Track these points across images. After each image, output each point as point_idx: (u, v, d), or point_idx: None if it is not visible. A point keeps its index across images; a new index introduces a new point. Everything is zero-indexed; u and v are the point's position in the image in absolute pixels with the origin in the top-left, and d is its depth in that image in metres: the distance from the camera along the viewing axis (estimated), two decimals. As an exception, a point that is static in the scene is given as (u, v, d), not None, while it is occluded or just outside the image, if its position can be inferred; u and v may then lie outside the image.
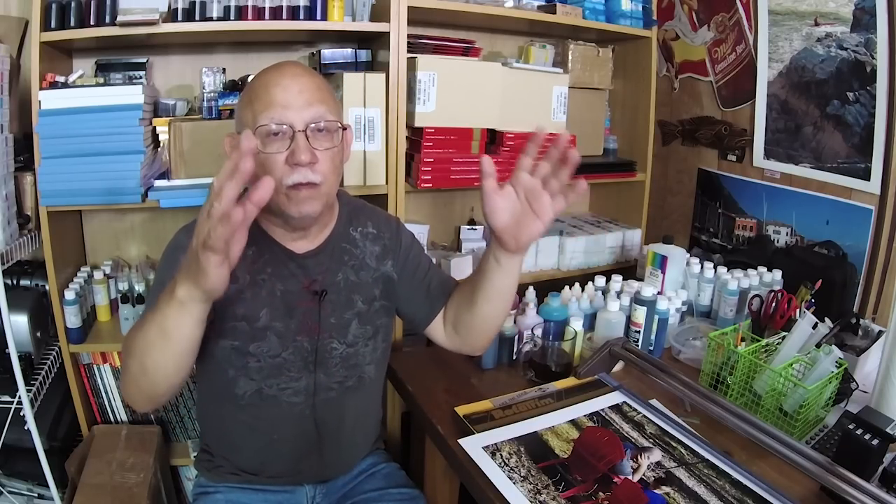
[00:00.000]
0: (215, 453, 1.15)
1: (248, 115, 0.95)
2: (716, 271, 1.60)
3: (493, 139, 1.71)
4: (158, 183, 1.41)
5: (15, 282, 1.46)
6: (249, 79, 1.50)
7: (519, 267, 1.01)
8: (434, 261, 1.71)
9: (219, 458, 1.14)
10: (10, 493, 1.47)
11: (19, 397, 1.29)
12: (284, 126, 0.92)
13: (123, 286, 1.49)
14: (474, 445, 1.02)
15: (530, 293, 1.52)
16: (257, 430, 1.08)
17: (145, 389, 0.89)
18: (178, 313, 0.79)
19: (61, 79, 1.35)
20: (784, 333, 1.25)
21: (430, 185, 1.60)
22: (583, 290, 1.54)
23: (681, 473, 0.97)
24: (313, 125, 0.94)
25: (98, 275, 1.53)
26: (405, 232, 1.20)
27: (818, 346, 1.19)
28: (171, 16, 1.36)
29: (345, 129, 1.01)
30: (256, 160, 0.93)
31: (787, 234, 1.79)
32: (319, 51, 1.61)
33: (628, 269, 1.91)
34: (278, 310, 1.03)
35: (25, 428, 1.31)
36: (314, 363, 1.06)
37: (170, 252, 1.03)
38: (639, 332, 1.36)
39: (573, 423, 1.10)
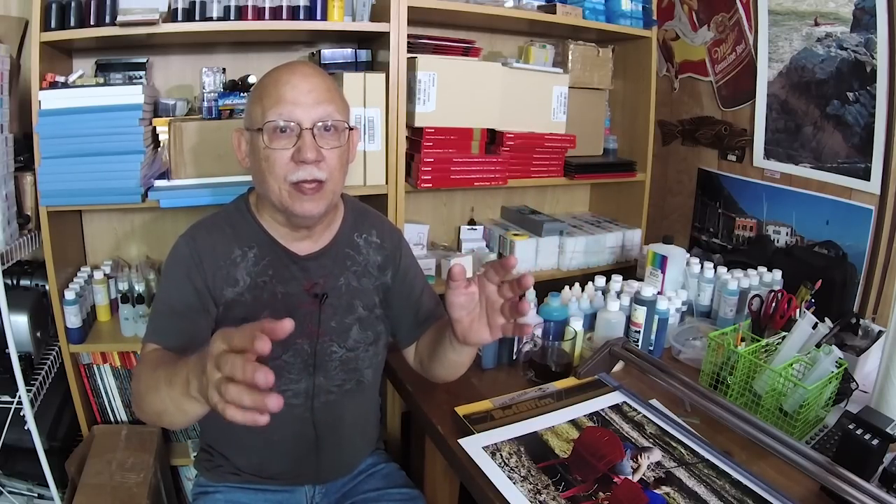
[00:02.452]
0: (215, 453, 1.15)
1: (258, 111, 0.96)
2: (716, 271, 1.60)
3: (493, 139, 1.72)
4: (158, 183, 1.41)
5: (15, 282, 1.46)
6: (250, 79, 1.52)
7: (471, 353, 1.05)
8: (434, 261, 1.73)
9: (218, 457, 1.14)
10: (10, 493, 1.47)
11: (19, 397, 1.29)
12: (292, 123, 0.94)
13: (123, 286, 1.49)
14: (474, 445, 1.02)
15: (530, 293, 1.52)
16: (256, 430, 1.07)
17: (159, 425, 1.06)
18: (193, 402, 0.77)
19: (61, 79, 1.35)
20: (784, 333, 1.24)
21: (430, 185, 1.60)
22: (583, 290, 1.54)
23: (681, 473, 0.97)
24: (320, 124, 0.95)
25: (98, 275, 1.53)
26: (406, 248, 1.21)
27: (818, 346, 1.19)
28: (171, 16, 1.36)
29: (351, 129, 1.01)
30: (262, 155, 0.94)
31: (787, 234, 1.79)
32: (319, 51, 1.61)
33: (628, 269, 1.91)
34: (279, 312, 1.02)
35: (25, 428, 1.31)
36: (313, 366, 1.07)
37: (171, 266, 1.04)
38: (639, 332, 1.36)
39: (573, 423, 1.10)
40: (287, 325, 0.65)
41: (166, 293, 1.03)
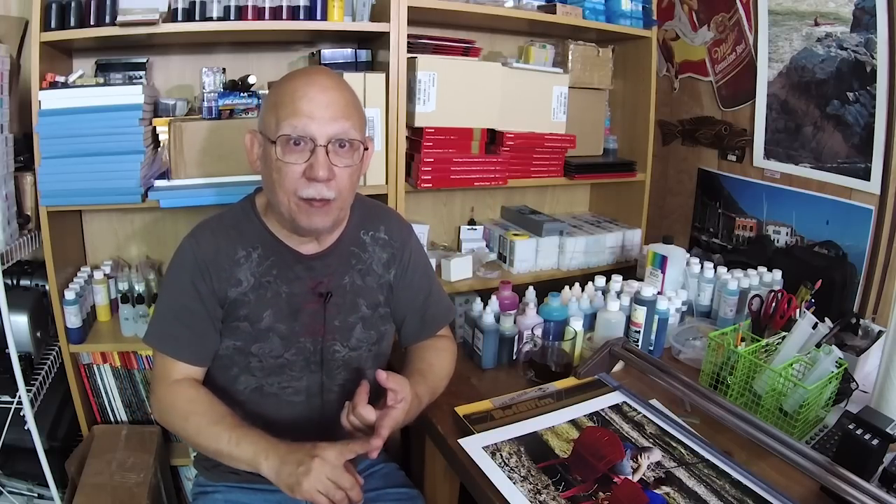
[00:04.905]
0: (214, 452, 1.15)
1: (272, 120, 0.95)
2: (716, 271, 1.60)
3: (493, 139, 1.72)
4: (158, 183, 1.41)
5: (15, 282, 1.46)
6: (250, 79, 1.52)
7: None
8: (434, 261, 1.73)
9: (218, 457, 1.14)
10: (10, 493, 1.47)
11: (19, 397, 1.29)
12: (306, 138, 0.92)
13: (123, 286, 1.49)
14: (474, 445, 1.02)
15: (530, 293, 1.52)
16: (256, 426, 1.08)
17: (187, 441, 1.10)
18: (247, 466, 0.93)
19: (61, 79, 1.35)
20: (784, 333, 1.24)
21: (430, 185, 1.60)
22: (583, 290, 1.54)
23: (681, 473, 0.97)
24: (335, 140, 0.94)
25: (98, 275, 1.53)
26: (416, 246, 1.19)
27: (818, 346, 1.19)
28: (171, 16, 1.36)
29: (366, 148, 1.01)
30: (274, 166, 0.95)
31: (787, 234, 1.79)
32: (319, 51, 1.61)
33: (628, 269, 1.90)
34: (282, 311, 1.04)
35: (25, 428, 1.31)
36: (316, 364, 1.07)
37: (176, 270, 1.04)
38: (639, 332, 1.36)
39: (573, 423, 1.10)
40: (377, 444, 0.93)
41: (172, 298, 1.03)
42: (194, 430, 0.97)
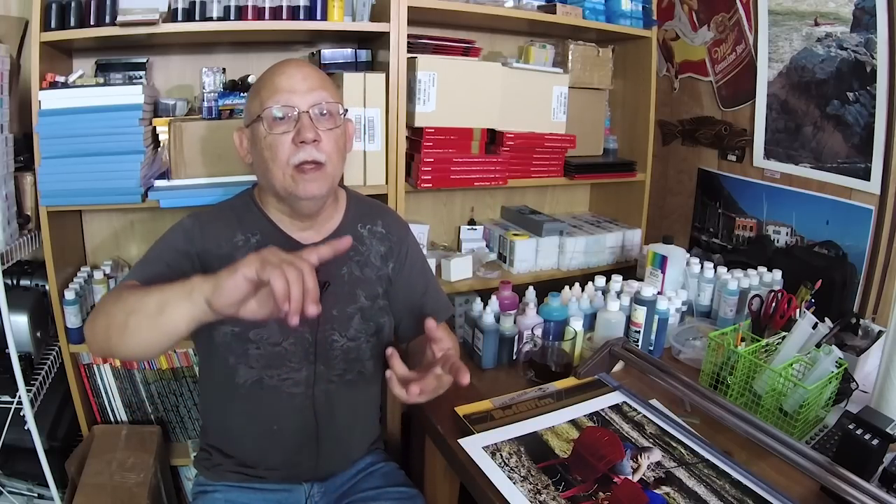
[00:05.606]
0: (214, 452, 1.15)
1: (256, 104, 1.01)
2: (716, 271, 1.60)
3: (493, 139, 1.72)
4: (158, 183, 1.41)
5: (15, 282, 1.46)
6: (250, 79, 1.53)
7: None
8: (434, 261, 1.73)
9: (217, 456, 1.14)
10: (10, 493, 1.47)
11: (19, 397, 1.29)
12: (289, 109, 0.98)
13: (123, 286, 1.49)
14: (474, 445, 1.02)
15: (530, 293, 1.52)
16: (257, 420, 1.09)
17: (111, 340, 0.88)
18: (181, 298, 0.80)
19: (61, 79, 1.35)
20: (784, 333, 1.24)
21: (430, 185, 1.60)
22: (583, 290, 1.54)
23: (681, 473, 0.97)
24: (316, 108, 1.00)
25: (98, 275, 1.53)
26: (413, 242, 1.22)
27: (818, 346, 1.19)
28: (171, 16, 1.36)
29: (346, 111, 1.06)
30: (264, 144, 0.99)
31: (787, 234, 1.79)
32: (319, 51, 1.61)
33: (628, 269, 1.90)
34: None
35: (25, 428, 1.31)
36: (315, 354, 1.08)
37: (172, 233, 1.08)
38: (639, 332, 1.36)
39: (573, 423, 1.10)
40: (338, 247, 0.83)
41: (160, 251, 1.06)
42: (123, 299, 0.87)
